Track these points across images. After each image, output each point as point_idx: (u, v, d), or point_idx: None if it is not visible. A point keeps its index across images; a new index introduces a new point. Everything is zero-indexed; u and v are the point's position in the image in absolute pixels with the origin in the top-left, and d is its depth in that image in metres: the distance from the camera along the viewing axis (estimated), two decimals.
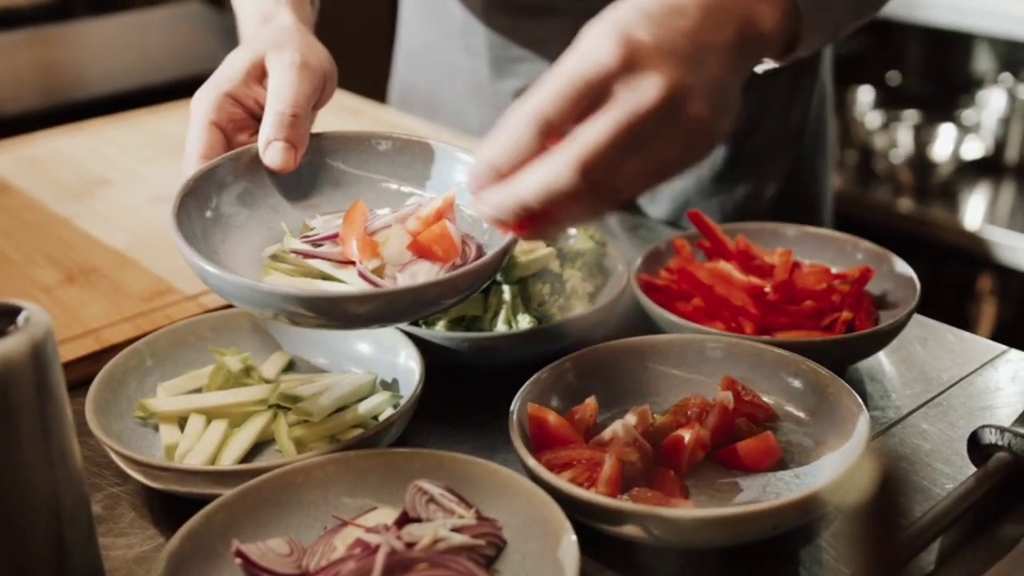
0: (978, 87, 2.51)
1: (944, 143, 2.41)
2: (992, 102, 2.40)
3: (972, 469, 0.76)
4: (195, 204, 0.79)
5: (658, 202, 1.32)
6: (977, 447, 0.76)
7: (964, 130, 2.41)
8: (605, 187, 0.66)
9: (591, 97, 0.66)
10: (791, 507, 0.66)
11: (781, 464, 0.76)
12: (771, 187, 1.33)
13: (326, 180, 0.86)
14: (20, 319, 0.58)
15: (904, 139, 2.44)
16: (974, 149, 2.38)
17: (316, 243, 0.81)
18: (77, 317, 0.96)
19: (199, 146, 0.82)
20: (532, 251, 0.90)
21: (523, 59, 1.26)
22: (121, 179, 1.28)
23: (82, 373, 0.89)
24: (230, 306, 0.97)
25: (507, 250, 0.75)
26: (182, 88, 1.85)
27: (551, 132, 0.66)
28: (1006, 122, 2.37)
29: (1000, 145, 2.39)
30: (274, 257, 0.81)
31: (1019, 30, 2.14)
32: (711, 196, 1.30)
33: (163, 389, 0.84)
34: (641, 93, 0.65)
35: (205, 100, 0.83)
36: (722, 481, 0.75)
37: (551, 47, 1.24)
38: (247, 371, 0.85)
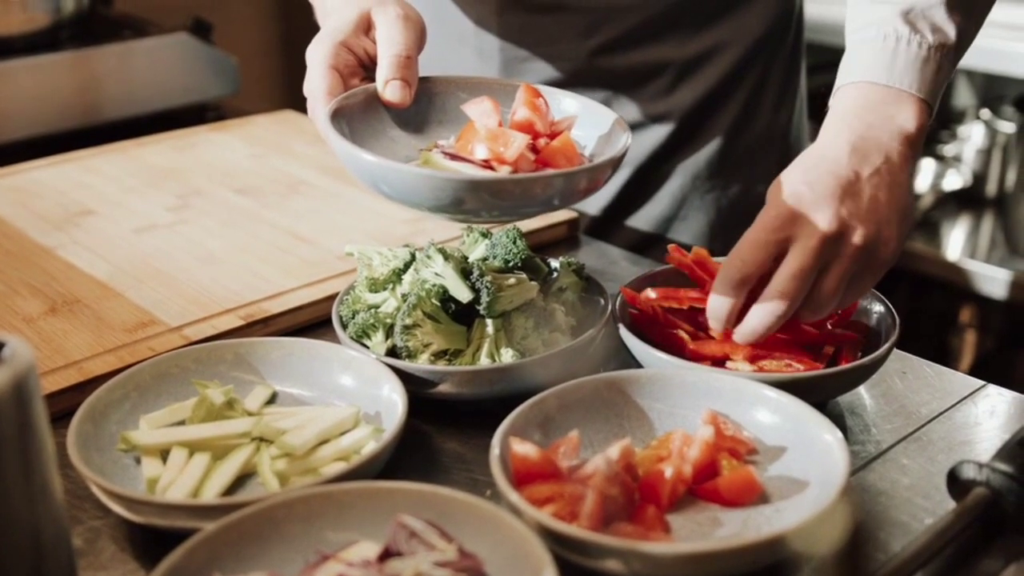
0: (958, 121, 2.53)
1: (924, 176, 2.43)
2: (972, 135, 2.42)
3: (951, 504, 0.77)
4: (337, 125, 0.87)
5: (658, 200, 1.34)
6: (956, 482, 0.76)
7: (944, 163, 2.43)
8: (809, 304, 0.85)
9: (778, 247, 0.84)
10: (771, 542, 0.66)
11: (762, 499, 0.77)
12: (761, 185, 1.35)
13: (434, 118, 0.98)
14: (4, 353, 0.58)
15: None
16: (954, 182, 2.40)
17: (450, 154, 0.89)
18: (59, 348, 0.96)
19: (324, 85, 0.91)
20: (514, 284, 0.90)
21: (532, 58, 1.29)
22: (105, 209, 1.28)
23: (64, 405, 0.88)
24: (213, 338, 0.97)
25: (624, 151, 0.88)
26: (167, 119, 1.86)
27: (751, 281, 0.85)
28: (985, 155, 2.39)
29: (980, 178, 2.41)
30: None
31: (998, 65, 2.16)
32: (706, 193, 1.33)
33: (146, 421, 0.84)
34: (811, 231, 0.83)
35: (322, 48, 0.92)
36: (703, 516, 0.76)
37: (561, 44, 1.27)
38: (230, 404, 0.85)
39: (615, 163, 0.87)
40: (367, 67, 0.95)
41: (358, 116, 0.91)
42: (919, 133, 0.89)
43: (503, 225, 0.98)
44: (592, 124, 0.95)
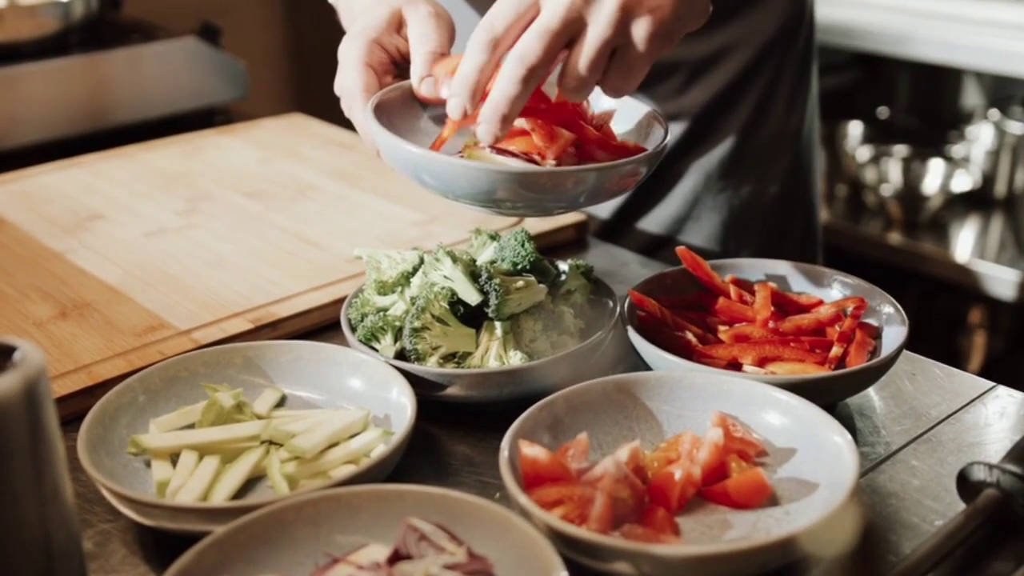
0: (967, 122, 2.53)
1: (933, 177, 2.43)
2: (981, 136, 2.42)
3: (961, 506, 0.77)
4: (379, 120, 0.87)
5: (670, 200, 1.35)
6: (966, 484, 0.76)
7: (953, 164, 2.43)
8: (564, 78, 0.80)
9: (528, 8, 0.78)
10: (781, 545, 0.66)
11: (772, 501, 0.77)
12: (774, 185, 1.37)
13: None
14: (15, 357, 0.59)
15: (894, 173, 2.46)
16: (963, 183, 2.39)
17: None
18: (69, 352, 0.96)
19: (361, 82, 0.91)
20: (523, 287, 0.90)
21: None
22: (114, 214, 1.28)
23: (74, 408, 0.89)
24: (222, 342, 0.97)
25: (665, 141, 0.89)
26: (176, 123, 1.86)
27: (501, 45, 0.79)
28: (994, 156, 2.39)
29: (989, 179, 2.41)
30: None
31: (1006, 65, 2.16)
32: (718, 193, 1.34)
33: (155, 425, 0.84)
34: None
35: (356, 46, 0.92)
36: (713, 518, 0.76)
37: None
38: (239, 407, 0.85)
39: (659, 154, 0.87)
40: (399, 65, 0.95)
41: (396, 112, 0.92)
42: None
43: (521, 222, 0.98)
44: (628, 119, 0.95)
